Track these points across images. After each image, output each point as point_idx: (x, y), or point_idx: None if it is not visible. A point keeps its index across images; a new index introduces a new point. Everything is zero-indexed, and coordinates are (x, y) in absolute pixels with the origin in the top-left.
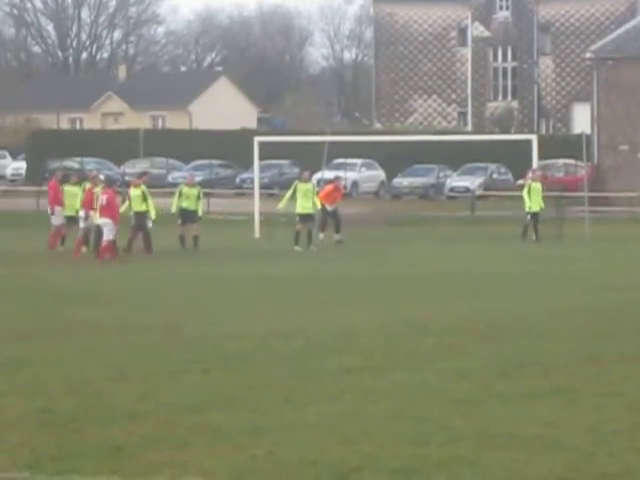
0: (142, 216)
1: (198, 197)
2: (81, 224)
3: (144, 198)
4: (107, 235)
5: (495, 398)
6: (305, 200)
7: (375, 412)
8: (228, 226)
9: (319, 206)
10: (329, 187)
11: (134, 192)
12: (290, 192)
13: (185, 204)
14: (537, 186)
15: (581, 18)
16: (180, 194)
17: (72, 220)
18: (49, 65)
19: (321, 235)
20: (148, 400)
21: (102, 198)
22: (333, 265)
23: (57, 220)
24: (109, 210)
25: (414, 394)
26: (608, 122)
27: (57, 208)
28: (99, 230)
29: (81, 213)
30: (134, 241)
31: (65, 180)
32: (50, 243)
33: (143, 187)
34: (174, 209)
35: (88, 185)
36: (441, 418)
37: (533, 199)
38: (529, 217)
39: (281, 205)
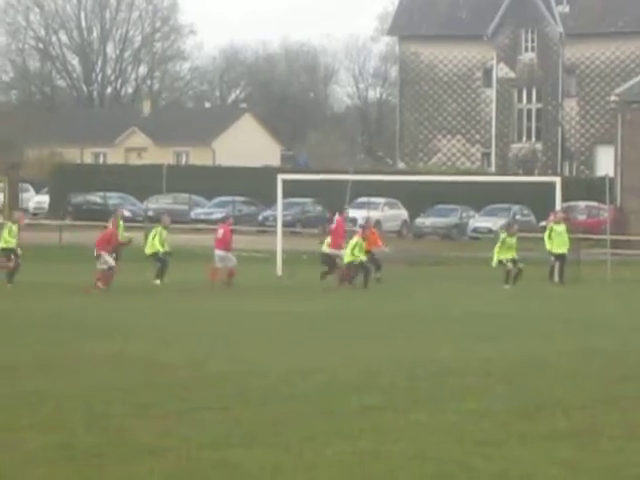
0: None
1: None
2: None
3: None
4: (230, 263)
5: (515, 439)
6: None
7: (396, 452)
8: (250, 263)
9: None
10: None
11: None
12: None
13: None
14: (559, 228)
15: (606, 61)
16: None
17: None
18: (74, 99)
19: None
20: (170, 436)
21: (219, 232)
22: (355, 303)
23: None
24: (224, 242)
25: (435, 434)
26: (632, 165)
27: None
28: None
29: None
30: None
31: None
32: None
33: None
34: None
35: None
36: (462, 459)
37: (555, 241)
38: (553, 258)
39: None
